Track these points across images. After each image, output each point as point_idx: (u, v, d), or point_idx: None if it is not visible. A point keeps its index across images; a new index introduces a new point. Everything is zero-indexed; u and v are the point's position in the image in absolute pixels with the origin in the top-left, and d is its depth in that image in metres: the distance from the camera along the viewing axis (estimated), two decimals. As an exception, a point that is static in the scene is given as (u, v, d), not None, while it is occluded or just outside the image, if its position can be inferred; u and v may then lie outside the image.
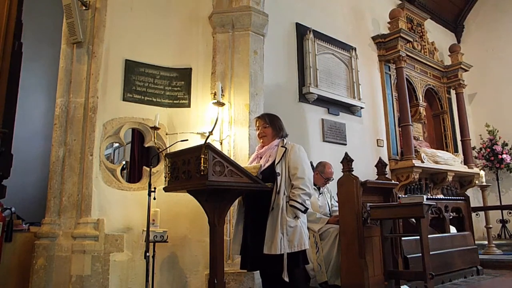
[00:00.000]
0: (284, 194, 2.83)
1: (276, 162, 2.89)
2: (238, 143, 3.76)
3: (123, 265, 3.40)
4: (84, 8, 3.69)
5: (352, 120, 5.65)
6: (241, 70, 3.92)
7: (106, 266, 3.32)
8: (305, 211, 2.88)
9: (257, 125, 3.17)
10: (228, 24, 4.00)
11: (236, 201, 3.01)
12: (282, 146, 2.98)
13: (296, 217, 2.82)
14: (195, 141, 3.69)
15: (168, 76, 3.96)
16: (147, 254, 3.06)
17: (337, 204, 3.85)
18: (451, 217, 4.76)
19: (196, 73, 4.01)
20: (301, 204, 2.82)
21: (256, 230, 2.82)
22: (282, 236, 2.72)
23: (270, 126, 3.09)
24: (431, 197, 5.20)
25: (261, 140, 3.14)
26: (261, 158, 3.06)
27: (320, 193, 4.04)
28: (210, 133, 3.41)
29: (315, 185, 3.95)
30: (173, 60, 3.99)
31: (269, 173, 2.87)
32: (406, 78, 6.38)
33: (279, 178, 2.83)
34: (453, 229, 4.86)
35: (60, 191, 3.42)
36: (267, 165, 2.95)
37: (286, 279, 2.68)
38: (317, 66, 5.20)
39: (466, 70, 7.42)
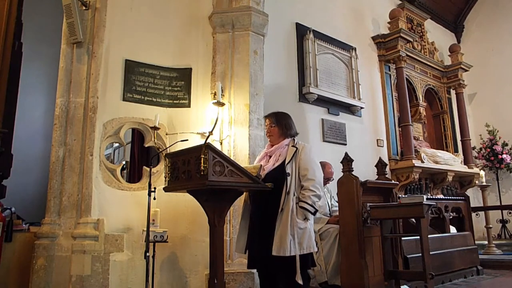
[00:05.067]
0: (294, 195, 2.77)
1: (286, 162, 2.84)
2: (238, 143, 3.76)
3: (123, 265, 3.40)
4: (84, 8, 3.69)
5: (352, 120, 5.65)
6: (241, 70, 3.92)
7: (106, 266, 3.32)
8: (314, 213, 2.83)
9: (266, 123, 3.14)
10: (228, 24, 4.00)
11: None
12: (292, 146, 2.93)
13: (305, 218, 2.77)
14: (195, 141, 3.69)
15: (168, 76, 3.96)
16: (147, 254, 3.06)
17: (337, 204, 3.85)
18: (451, 217, 4.76)
19: (196, 73, 4.01)
20: (311, 205, 2.77)
21: (264, 230, 2.77)
22: (292, 238, 2.67)
23: (276, 125, 3.03)
24: (431, 197, 5.19)
25: (269, 139, 3.10)
26: (270, 157, 3.00)
27: (320, 193, 4.03)
28: (210, 133, 3.41)
29: (315, 185, 3.95)
30: (173, 60, 3.99)
31: (279, 173, 2.82)
32: (406, 78, 6.38)
33: (289, 178, 2.78)
34: (453, 229, 4.86)
35: (60, 191, 3.42)
36: (277, 164, 2.89)
37: (300, 282, 2.64)
38: (317, 66, 5.20)
39: (466, 70, 7.42)
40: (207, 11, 4.10)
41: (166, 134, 3.84)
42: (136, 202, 3.55)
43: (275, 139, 3.03)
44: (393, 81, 6.44)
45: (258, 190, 2.80)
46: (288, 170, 2.80)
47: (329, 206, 4.05)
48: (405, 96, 6.09)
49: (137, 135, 4.39)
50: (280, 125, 3.04)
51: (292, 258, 2.67)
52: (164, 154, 3.31)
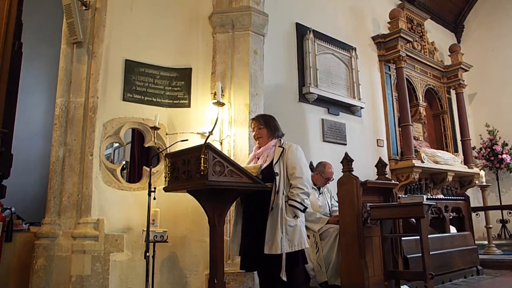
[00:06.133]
0: (283, 193, 2.83)
1: (274, 162, 2.89)
2: (238, 143, 3.76)
3: (123, 265, 3.40)
4: (84, 8, 3.69)
5: (352, 120, 5.65)
6: (241, 70, 3.92)
7: (106, 266, 3.32)
8: (304, 210, 2.89)
9: (253, 126, 3.18)
10: (228, 24, 3.99)
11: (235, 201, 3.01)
12: (279, 146, 2.99)
13: (295, 216, 2.83)
14: (195, 141, 3.69)
15: (168, 76, 3.96)
16: (147, 254, 3.06)
17: (337, 204, 3.85)
18: (451, 217, 4.76)
19: (196, 73, 4.01)
20: (300, 203, 2.83)
21: (255, 230, 2.81)
22: (283, 235, 2.73)
23: (265, 127, 3.09)
24: (431, 197, 5.20)
25: (257, 142, 3.14)
26: (258, 158, 3.06)
27: (320, 193, 4.04)
28: (210, 133, 3.41)
29: (315, 185, 3.96)
30: (173, 60, 3.99)
31: (267, 173, 2.87)
32: (406, 78, 6.38)
33: (277, 178, 2.83)
34: (453, 229, 4.86)
35: (60, 191, 3.42)
36: (265, 165, 2.95)
37: (284, 278, 2.68)
38: (317, 66, 5.20)
39: (466, 70, 7.42)
40: (207, 11, 4.09)
41: (166, 134, 3.84)
42: (136, 202, 3.55)
43: (264, 141, 3.08)
44: (393, 81, 6.44)
45: (254, 190, 2.80)
46: (276, 170, 2.86)
47: (329, 206, 4.05)
48: (405, 96, 6.09)
49: (137, 135, 4.39)
50: (269, 126, 3.09)
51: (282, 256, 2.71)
52: (164, 154, 3.31)
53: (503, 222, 6.46)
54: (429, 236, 3.53)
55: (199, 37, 4.08)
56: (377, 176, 4.01)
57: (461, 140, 7.18)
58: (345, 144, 5.38)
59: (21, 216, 3.96)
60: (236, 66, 3.93)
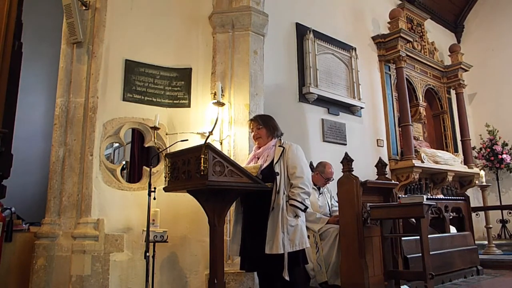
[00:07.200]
0: (284, 193, 2.83)
1: (274, 162, 2.89)
2: (238, 143, 3.76)
3: (123, 265, 3.40)
4: (84, 8, 3.69)
5: (352, 120, 5.65)
6: (241, 70, 3.92)
7: (106, 266, 3.32)
8: (304, 210, 2.89)
9: (251, 127, 3.17)
10: (228, 24, 4.00)
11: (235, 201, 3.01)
12: (279, 146, 2.98)
13: (296, 216, 2.83)
14: (195, 141, 3.69)
15: (168, 76, 3.96)
16: (147, 254, 3.06)
17: (337, 204, 3.85)
18: (451, 217, 4.76)
19: (196, 73, 4.01)
20: (301, 203, 2.83)
21: (255, 230, 2.81)
22: (284, 235, 2.72)
23: (264, 127, 3.07)
24: (431, 197, 5.19)
25: (256, 142, 3.13)
26: (258, 158, 3.05)
27: (320, 193, 4.04)
28: (210, 133, 3.41)
29: (315, 185, 3.96)
30: (173, 60, 3.99)
31: (268, 173, 2.87)
32: (406, 78, 6.38)
33: (278, 177, 2.83)
34: (453, 229, 4.86)
35: (60, 191, 3.42)
36: (265, 165, 2.94)
37: (287, 278, 2.68)
38: (317, 66, 5.20)
39: (466, 70, 7.42)
40: (207, 11, 4.09)
41: (166, 134, 3.84)
42: (136, 202, 3.55)
43: (263, 141, 3.07)
44: (393, 81, 6.44)
45: (254, 190, 2.80)
46: (277, 169, 2.85)
47: (329, 206, 4.05)
48: (405, 96, 6.09)
49: (137, 135, 4.39)
50: (268, 126, 3.08)
51: (283, 255, 2.71)
52: (164, 154, 3.31)
53: (503, 222, 6.47)
54: (429, 236, 3.53)
55: (199, 37, 4.08)
56: (377, 176, 4.01)
57: (461, 140, 7.18)
58: (345, 144, 5.38)
59: (21, 216, 3.95)
60: (236, 66, 3.93)
